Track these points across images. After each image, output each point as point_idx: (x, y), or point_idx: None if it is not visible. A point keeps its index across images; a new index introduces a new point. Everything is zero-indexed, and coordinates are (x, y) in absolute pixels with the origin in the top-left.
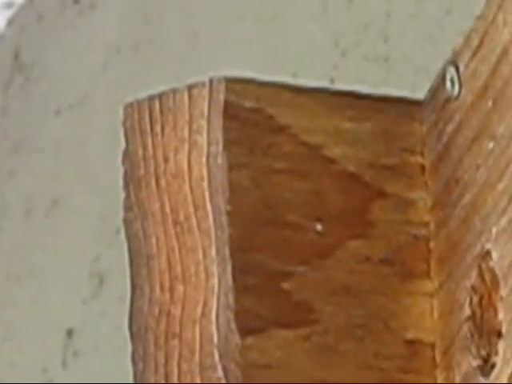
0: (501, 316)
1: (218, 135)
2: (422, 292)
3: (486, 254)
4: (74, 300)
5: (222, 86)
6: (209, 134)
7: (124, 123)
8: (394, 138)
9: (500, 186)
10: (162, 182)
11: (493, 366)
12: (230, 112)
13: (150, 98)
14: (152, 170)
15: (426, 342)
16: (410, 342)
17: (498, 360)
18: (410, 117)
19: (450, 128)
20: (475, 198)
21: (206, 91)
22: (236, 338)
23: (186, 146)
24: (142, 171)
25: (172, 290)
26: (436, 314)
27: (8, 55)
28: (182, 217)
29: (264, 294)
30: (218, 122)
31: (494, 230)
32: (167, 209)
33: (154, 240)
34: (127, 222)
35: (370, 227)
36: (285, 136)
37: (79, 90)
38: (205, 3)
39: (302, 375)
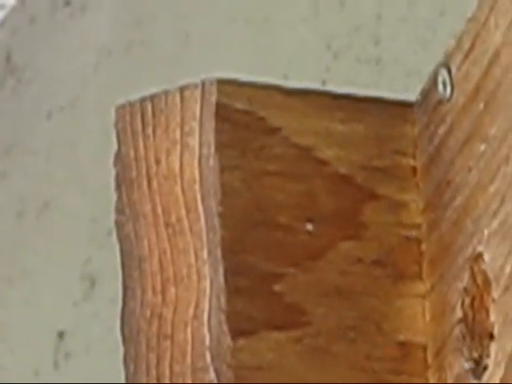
0: (493, 318)
1: (210, 137)
2: (413, 294)
3: (478, 256)
4: (66, 302)
5: (214, 88)
6: (201, 135)
7: (116, 125)
8: (385, 140)
9: (491, 188)
10: (154, 184)
11: (485, 368)
12: (222, 114)
13: (142, 100)
14: (144, 171)
15: (417, 344)
16: (402, 344)
17: (489, 362)
18: (401, 119)
19: (441, 130)
20: (467, 200)
21: (197, 93)
22: (228, 340)
23: (178, 147)
24: (133, 173)
25: (164, 291)
26: (428, 316)
27: None
28: (173, 219)
29: (256, 295)
30: (210, 123)
31: (486, 232)
32: (159, 211)
33: (145, 242)
34: (119, 224)
35: (362, 229)
36: (276, 138)
37: (71, 92)
38: (196, 5)
39: (293, 377)
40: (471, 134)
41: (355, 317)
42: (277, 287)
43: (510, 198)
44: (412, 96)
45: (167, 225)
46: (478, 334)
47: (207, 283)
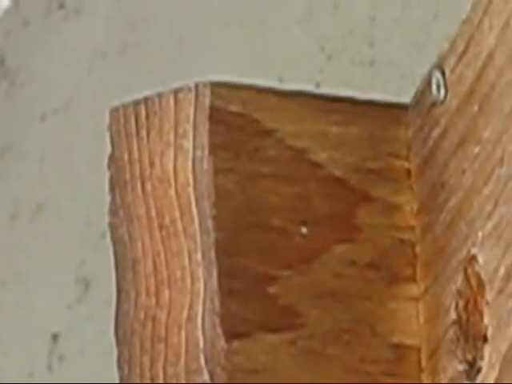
0: (486, 320)
1: (204, 139)
2: (407, 296)
3: (472, 259)
4: (60, 304)
5: (208, 91)
6: (194, 138)
7: (110, 127)
8: (379, 143)
9: (486, 191)
10: (148, 187)
11: (478, 371)
12: (216, 116)
13: (136, 103)
14: (138, 174)
15: (411, 346)
16: (396, 346)
17: (483, 364)
18: (395, 121)
19: (435, 132)
20: (461, 203)
21: (191, 95)
22: (222, 343)
23: (172, 150)
24: (127, 175)
25: (158, 294)
26: (422, 318)
27: None
28: (167, 221)
29: (250, 298)
30: (204, 126)
31: (480, 235)
32: (153, 213)
33: (139, 244)
34: (113, 226)
35: (356, 231)
36: (270, 140)
37: (65, 95)
38: (191, 8)
39: (288, 379)
40: (465, 137)
41: (349, 319)
42: (271, 289)
43: (504, 200)
44: (406, 98)
45: (161, 227)
46: (472, 337)
47: (201, 285)
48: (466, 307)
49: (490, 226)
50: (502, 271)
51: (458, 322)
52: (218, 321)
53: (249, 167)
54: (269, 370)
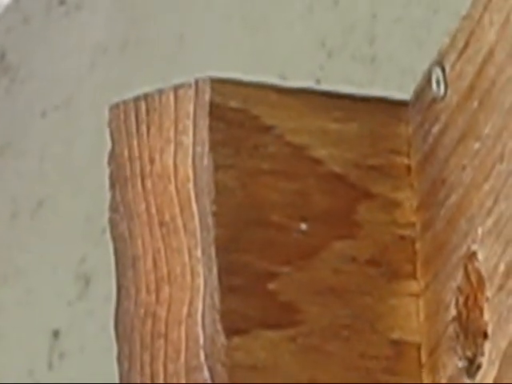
0: (486, 317)
1: (204, 136)
2: (408, 293)
3: (472, 255)
4: (60, 301)
5: (208, 87)
6: (194, 134)
7: (110, 124)
8: (379, 139)
9: (486, 187)
10: (148, 183)
11: (478, 367)
12: (216, 113)
13: (136, 99)
14: (138, 170)
15: (411, 343)
16: (396, 343)
17: (483, 361)
18: (395, 117)
19: (435, 129)
20: (461, 199)
21: (191, 92)
22: (222, 339)
23: (172, 146)
24: (127, 172)
25: (158, 290)
26: (422, 315)
27: None
28: (167, 217)
29: (250, 294)
30: (204, 122)
31: (480, 231)
32: (153, 209)
33: (139, 241)
34: (113, 223)
35: (356, 228)
36: (271, 137)
37: (65, 92)
38: (192, 4)
39: (287, 376)
40: (465, 133)
41: (349, 316)
42: (271, 286)
43: (504, 197)
44: (406, 95)
45: (161, 224)
46: (472, 333)
47: (201, 282)
48: (466, 304)
49: (490, 222)
50: (502, 268)
51: (458, 318)
52: (217, 317)
53: (249, 163)
54: (269, 366)
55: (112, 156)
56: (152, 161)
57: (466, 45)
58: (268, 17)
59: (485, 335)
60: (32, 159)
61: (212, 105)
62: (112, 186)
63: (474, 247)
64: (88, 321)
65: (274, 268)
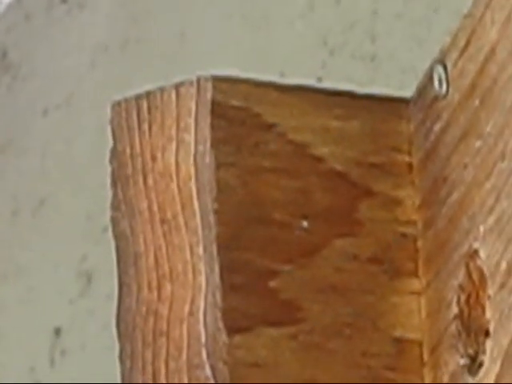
0: (488, 315)
1: (206, 134)
2: (409, 290)
3: (474, 253)
4: (62, 299)
5: (210, 85)
6: (196, 132)
7: (111, 122)
8: (381, 137)
9: (487, 185)
10: (150, 181)
11: (480, 365)
12: (218, 111)
13: (138, 97)
14: (139, 168)
15: (413, 341)
16: (398, 341)
17: (485, 359)
18: (397, 115)
19: (437, 127)
20: (463, 197)
21: (193, 90)
22: (223, 337)
23: (174, 144)
24: (129, 170)
25: (159, 288)
26: (424, 313)
27: None
28: (169, 215)
29: (251, 292)
30: (206, 120)
31: (482, 229)
32: (155, 207)
33: (141, 238)
34: (115, 221)
35: (358, 226)
36: (272, 134)
37: (66, 90)
38: (193, 2)
39: (289, 374)
40: (467, 131)
41: (351, 313)
42: (272, 284)
43: (506, 195)
44: (407, 93)
45: (163, 221)
46: (474, 331)
47: (203, 280)
48: (467, 301)
49: (491, 220)
50: (503, 265)
51: (459, 316)
52: (219, 315)
53: (250, 161)
54: (270, 364)
55: (114, 154)
56: (154, 159)
57: (468, 43)
58: (269, 15)
59: (486, 333)
60: (33, 157)
61: (214, 103)
62: (114, 183)
63: (476, 245)
64: (89, 319)
65: (275, 266)
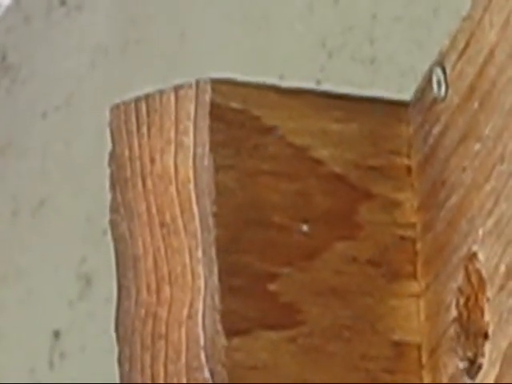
0: (487, 317)
1: (205, 136)
2: (408, 293)
3: (473, 256)
4: (61, 301)
5: (209, 88)
6: (195, 135)
7: (110, 125)
8: (380, 140)
9: (486, 188)
10: (149, 184)
11: (479, 368)
12: (217, 113)
13: (137, 100)
14: (138, 171)
15: (412, 344)
16: (397, 344)
17: (484, 361)
18: (396, 118)
19: (436, 129)
20: (462, 200)
21: (192, 92)
22: (222, 340)
23: (173, 147)
24: (128, 172)
25: (158, 291)
26: (422, 316)
27: None
28: (168, 218)
29: (250, 295)
30: (205, 123)
31: (481, 232)
32: (153, 210)
33: (140, 241)
34: (113, 224)
35: (357, 228)
36: (271, 137)
37: (66, 92)
38: (192, 4)
39: (288, 376)
40: (466, 134)
41: (350, 316)
42: (271, 287)
43: (505, 198)
44: (407, 95)
45: (162, 224)
46: (473, 334)
47: (202, 283)
48: (466, 304)
49: (490, 223)
50: (502, 268)
51: (458, 319)
52: (218, 318)
53: (249, 164)
54: (269, 367)
55: (113, 156)
56: (153, 161)
57: (467, 46)
58: (268, 17)
59: (485, 336)
60: (33, 159)
61: (213, 105)
62: (112, 186)
63: (475, 248)
64: (89, 321)
65: (274, 269)
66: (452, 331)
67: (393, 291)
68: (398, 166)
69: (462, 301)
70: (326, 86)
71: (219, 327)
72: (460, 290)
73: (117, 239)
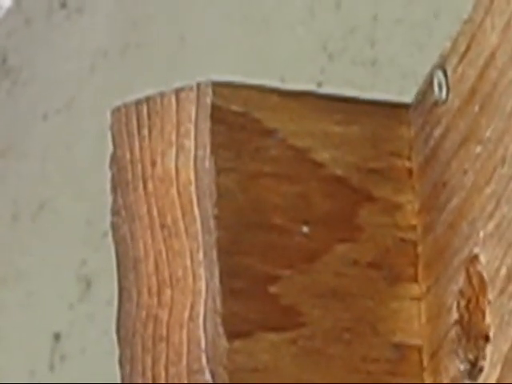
0: (488, 320)
1: (206, 139)
2: (409, 296)
3: (474, 258)
4: (62, 304)
5: (209, 90)
6: (196, 137)
7: (111, 127)
8: (381, 142)
9: (487, 190)
10: (150, 186)
11: (480, 370)
12: (218, 116)
13: (138, 102)
14: (139, 173)
15: (413, 346)
16: (398, 346)
17: (485, 364)
18: (397, 120)
19: (437, 132)
20: (463, 202)
21: (193, 95)
22: (223, 342)
23: (174, 149)
24: (129, 175)
25: (159, 293)
26: (423, 318)
27: None
28: (169, 220)
29: (251, 297)
30: (206, 125)
31: (482, 234)
32: (154, 212)
33: (141, 244)
34: (114, 226)
35: (358, 231)
36: (272, 140)
37: (67, 94)
38: (192, 7)
39: (289, 379)
40: (467, 136)
41: (351, 319)
42: (272, 289)
43: (506, 200)
44: (408, 98)
45: (163, 227)
46: (474, 336)
47: (203, 285)
48: (467, 307)
49: (491, 225)
50: (503, 271)
51: (459, 321)
52: (219, 320)
53: (250, 166)
54: (270, 369)
55: (114, 159)
56: (154, 164)
57: (468, 48)
58: (269, 20)
59: (486, 338)
60: (33, 162)
61: (213, 108)
62: (113, 189)
63: (476, 250)
64: (89, 324)
65: (275, 271)
66: (453, 334)
67: (394, 294)
68: (398, 168)
69: (463, 303)
70: (327, 89)
71: (220, 329)
72: (461, 293)
73: (118, 242)
